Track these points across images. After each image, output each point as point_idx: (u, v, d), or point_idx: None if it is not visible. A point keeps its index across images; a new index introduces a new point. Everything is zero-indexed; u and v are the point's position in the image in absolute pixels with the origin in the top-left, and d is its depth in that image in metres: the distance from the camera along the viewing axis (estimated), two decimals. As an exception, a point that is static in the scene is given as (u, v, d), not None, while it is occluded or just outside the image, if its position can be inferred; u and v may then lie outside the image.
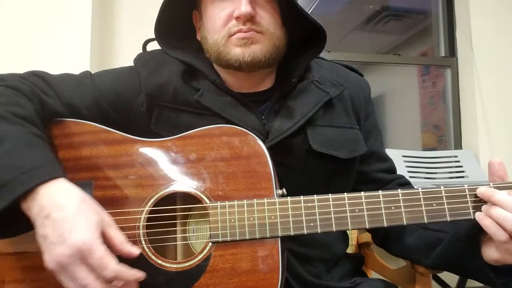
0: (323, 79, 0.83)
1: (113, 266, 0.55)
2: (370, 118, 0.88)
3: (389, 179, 0.88)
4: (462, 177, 1.88)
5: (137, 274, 0.58)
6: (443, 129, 2.30)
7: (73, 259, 0.54)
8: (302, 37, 0.82)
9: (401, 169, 1.81)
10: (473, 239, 0.68)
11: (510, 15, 2.13)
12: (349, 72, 0.89)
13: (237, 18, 0.72)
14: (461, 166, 1.92)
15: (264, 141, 0.70)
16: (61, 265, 0.54)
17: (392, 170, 0.91)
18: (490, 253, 0.65)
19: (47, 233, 0.55)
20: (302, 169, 0.77)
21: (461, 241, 0.71)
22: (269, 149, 0.69)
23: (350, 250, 1.22)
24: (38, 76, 0.75)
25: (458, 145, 2.18)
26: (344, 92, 0.83)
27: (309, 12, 0.75)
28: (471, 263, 0.69)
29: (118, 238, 0.59)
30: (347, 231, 0.94)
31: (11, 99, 0.67)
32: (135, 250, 0.60)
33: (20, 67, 0.77)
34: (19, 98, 0.68)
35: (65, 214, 0.56)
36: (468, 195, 0.65)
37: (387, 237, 0.87)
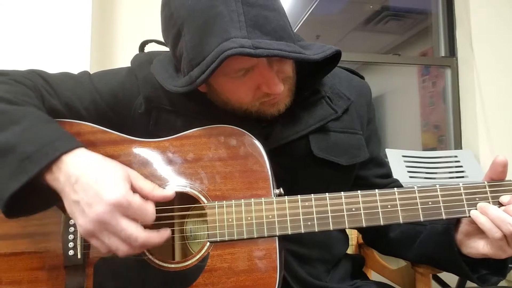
0: (333, 92, 0.81)
1: (152, 210, 0.59)
2: (371, 123, 0.88)
3: (385, 183, 0.88)
4: (462, 177, 1.88)
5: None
6: (443, 129, 2.30)
7: (113, 214, 0.56)
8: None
9: (401, 169, 1.81)
10: (449, 233, 0.70)
11: (510, 15, 2.13)
12: (352, 77, 0.87)
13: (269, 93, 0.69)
14: (461, 166, 1.92)
15: (263, 144, 0.69)
16: (102, 223, 0.56)
17: (389, 175, 0.91)
18: (479, 247, 0.66)
19: (79, 198, 0.57)
20: (302, 172, 0.77)
21: (438, 235, 0.72)
22: (268, 151, 0.69)
23: (350, 250, 1.22)
24: (38, 74, 0.76)
25: (458, 145, 2.18)
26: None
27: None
28: (447, 256, 0.70)
29: (148, 187, 0.61)
30: (347, 231, 0.94)
31: (20, 91, 0.69)
32: (168, 192, 0.63)
33: (20, 67, 0.77)
34: (26, 91, 0.70)
35: (93, 176, 0.57)
36: (463, 193, 0.65)
37: (375, 236, 0.88)
